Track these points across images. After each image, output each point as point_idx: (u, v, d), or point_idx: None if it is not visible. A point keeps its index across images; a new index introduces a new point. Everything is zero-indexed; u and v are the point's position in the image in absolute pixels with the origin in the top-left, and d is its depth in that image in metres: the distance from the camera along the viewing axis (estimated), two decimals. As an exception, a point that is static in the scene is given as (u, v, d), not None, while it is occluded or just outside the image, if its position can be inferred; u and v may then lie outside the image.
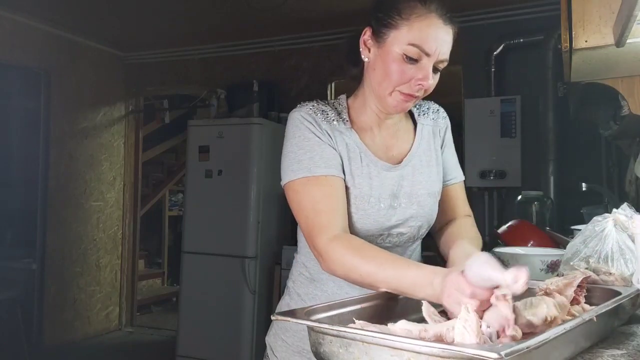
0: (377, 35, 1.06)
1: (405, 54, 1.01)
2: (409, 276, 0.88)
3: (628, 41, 1.14)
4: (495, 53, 3.56)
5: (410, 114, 1.23)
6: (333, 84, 4.27)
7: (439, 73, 1.06)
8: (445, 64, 1.05)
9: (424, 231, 1.19)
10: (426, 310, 0.76)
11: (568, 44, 1.28)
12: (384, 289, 0.93)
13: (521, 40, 3.51)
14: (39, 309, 4.13)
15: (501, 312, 0.69)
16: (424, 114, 1.23)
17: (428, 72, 1.02)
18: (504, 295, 0.69)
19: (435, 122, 1.23)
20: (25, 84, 4.41)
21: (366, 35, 1.09)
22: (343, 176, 1.08)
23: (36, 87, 4.23)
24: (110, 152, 4.77)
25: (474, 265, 0.75)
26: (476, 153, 3.48)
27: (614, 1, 1.19)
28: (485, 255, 0.74)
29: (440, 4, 1.03)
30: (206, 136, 3.84)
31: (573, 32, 1.25)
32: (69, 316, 4.35)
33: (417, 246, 1.23)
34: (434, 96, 1.14)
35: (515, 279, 0.68)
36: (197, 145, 3.85)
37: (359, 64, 1.14)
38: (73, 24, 4.21)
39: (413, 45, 1.00)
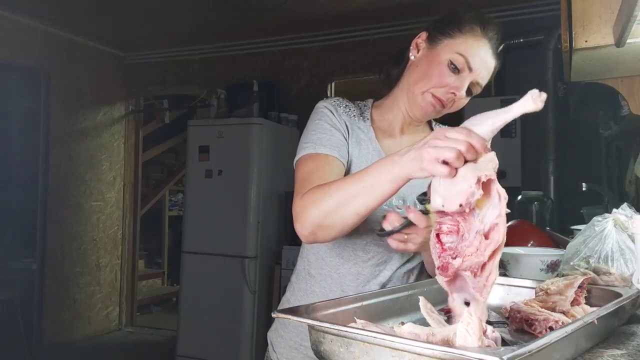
0: (432, 39, 1.12)
1: (451, 61, 1.08)
2: (371, 169, 0.89)
3: (628, 41, 1.14)
4: (495, 53, 3.56)
5: None
6: (333, 84, 4.27)
7: (470, 97, 1.12)
8: (479, 90, 1.12)
9: None
10: (423, 306, 0.75)
11: (568, 44, 1.28)
12: (361, 207, 0.91)
13: (521, 40, 3.51)
14: (39, 309, 4.13)
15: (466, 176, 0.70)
16: None
17: (464, 84, 1.08)
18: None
19: None
20: (25, 84, 4.41)
21: (421, 38, 1.15)
22: (344, 161, 1.12)
23: (36, 87, 4.24)
24: (110, 152, 4.77)
25: (473, 118, 0.74)
26: (476, 153, 3.47)
27: (614, 1, 1.19)
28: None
29: (496, 37, 1.10)
30: (206, 136, 3.84)
31: (573, 32, 1.26)
32: (69, 316, 4.35)
33: None
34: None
35: (533, 95, 0.68)
36: (197, 145, 3.85)
37: (400, 64, 1.20)
38: (73, 24, 4.21)
39: (461, 55, 1.07)
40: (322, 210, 0.95)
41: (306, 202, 0.98)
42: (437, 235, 0.75)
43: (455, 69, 1.07)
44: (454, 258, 0.72)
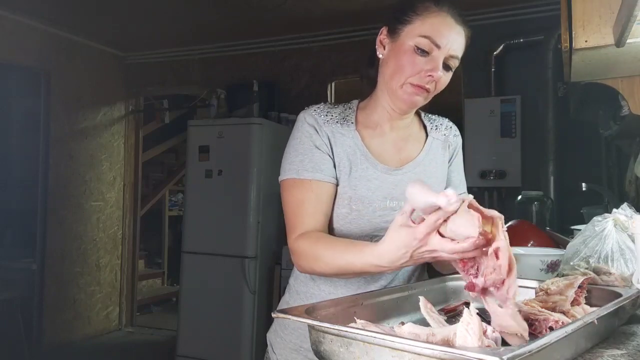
0: (392, 32, 1.11)
1: (416, 46, 1.06)
2: (357, 263, 0.94)
3: (628, 41, 1.14)
4: (495, 53, 3.56)
5: (424, 126, 1.26)
6: (333, 84, 4.27)
7: (451, 71, 1.10)
8: (457, 62, 1.10)
9: None
10: (424, 306, 0.76)
11: (568, 44, 1.28)
12: (349, 274, 1.01)
13: (521, 40, 3.51)
14: (39, 309, 4.13)
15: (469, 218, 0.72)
16: (436, 129, 1.26)
17: (438, 63, 1.06)
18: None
19: (446, 138, 1.26)
20: (25, 84, 4.42)
21: (382, 34, 1.15)
22: (331, 180, 1.12)
23: (36, 87, 4.23)
24: (110, 152, 4.77)
25: (413, 190, 0.77)
26: (476, 153, 3.48)
27: (614, 1, 1.19)
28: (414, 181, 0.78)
29: (452, 6, 1.09)
30: (206, 136, 3.83)
31: (573, 32, 1.26)
32: (69, 316, 4.35)
33: None
34: (435, 96, 1.14)
35: (449, 202, 0.71)
36: (197, 145, 3.85)
37: (374, 64, 1.19)
38: (73, 24, 4.21)
39: (424, 36, 1.06)
40: (313, 269, 1.05)
41: (300, 252, 1.06)
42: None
43: (423, 52, 1.06)
44: (476, 277, 0.76)
